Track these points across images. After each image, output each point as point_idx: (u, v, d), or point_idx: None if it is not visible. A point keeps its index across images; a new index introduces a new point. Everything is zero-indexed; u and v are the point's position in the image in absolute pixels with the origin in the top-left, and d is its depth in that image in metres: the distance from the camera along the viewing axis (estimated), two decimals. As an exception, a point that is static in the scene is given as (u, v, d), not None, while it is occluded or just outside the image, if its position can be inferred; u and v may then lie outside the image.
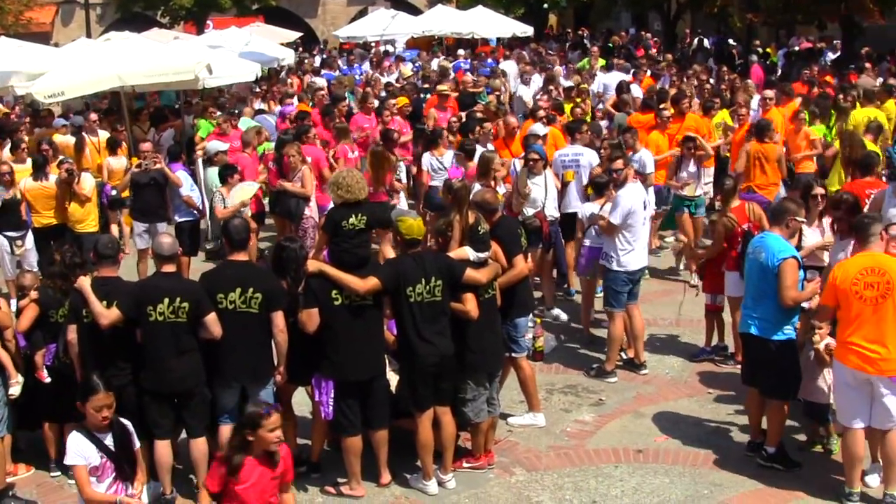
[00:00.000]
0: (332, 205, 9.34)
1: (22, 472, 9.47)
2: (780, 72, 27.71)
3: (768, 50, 33.29)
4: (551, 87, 21.07)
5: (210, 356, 8.58)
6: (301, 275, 8.67)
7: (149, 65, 18.42)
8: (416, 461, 8.97)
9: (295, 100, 21.98)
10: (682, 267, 15.01)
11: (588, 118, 19.30)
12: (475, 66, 27.36)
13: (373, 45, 36.04)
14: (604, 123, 17.97)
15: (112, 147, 17.13)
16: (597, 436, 10.00)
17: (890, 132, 16.68)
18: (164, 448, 8.58)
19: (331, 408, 8.64)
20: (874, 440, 8.58)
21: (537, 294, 12.71)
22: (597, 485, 9.02)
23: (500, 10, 38.60)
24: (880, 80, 22.53)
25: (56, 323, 9.09)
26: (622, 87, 20.78)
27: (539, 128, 15.12)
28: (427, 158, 15.09)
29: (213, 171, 15.48)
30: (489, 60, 30.17)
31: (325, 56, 36.11)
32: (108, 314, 8.32)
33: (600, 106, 21.22)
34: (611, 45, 35.41)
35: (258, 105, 22.59)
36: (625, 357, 11.62)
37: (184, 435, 8.86)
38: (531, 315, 10.62)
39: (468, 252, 8.96)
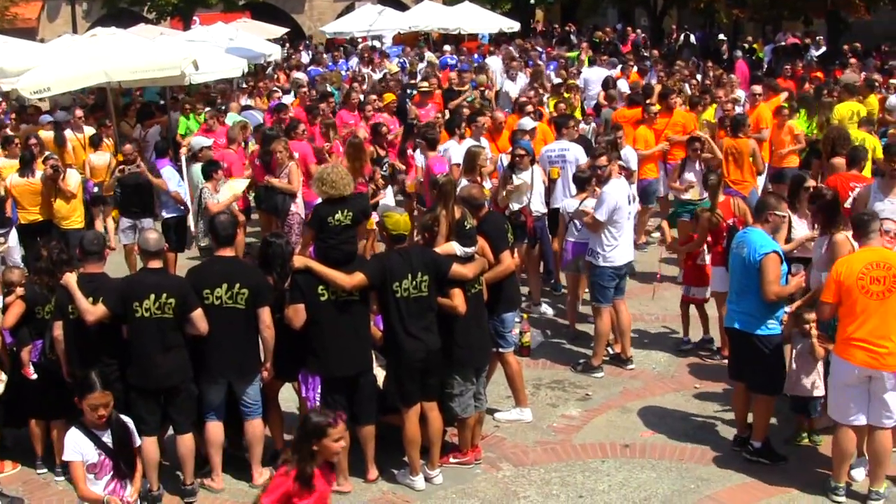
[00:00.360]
0: (319, 200, 9.33)
1: (8, 469, 9.46)
2: (766, 67, 27.76)
3: (755, 45, 33.33)
4: (536, 85, 21.07)
5: (196, 352, 8.58)
6: (287, 270, 8.67)
7: (135, 61, 18.37)
8: (403, 457, 8.98)
9: (291, 96, 21.94)
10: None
11: (578, 113, 19.37)
12: (462, 61, 27.34)
13: (360, 40, 36.02)
14: (591, 126, 17.98)
15: (94, 143, 17.09)
16: (583, 431, 10.02)
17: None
18: (150, 445, 8.55)
19: (317, 403, 8.63)
20: (861, 434, 8.60)
21: (524, 289, 12.72)
22: (584, 479, 9.04)
23: (486, 6, 38.60)
24: (863, 74, 22.62)
25: (42, 319, 9.06)
26: (608, 83, 20.82)
27: (527, 122, 15.13)
28: (420, 156, 15.04)
29: (198, 168, 15.45)
30: (475, 56, 30.19)
31: (311, 52, 36.07)
32: (94, 311, 8.30)
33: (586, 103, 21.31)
34: (596, 40, 35.46)
35: (245, 101, 22.56)
36: (611, 352, 11.65)
37: (171, 431, 8.85)
38: (518, 310, 10.63)
39: (455, 247, 8.96)
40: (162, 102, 22.71)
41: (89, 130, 17.73)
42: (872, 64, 25.83)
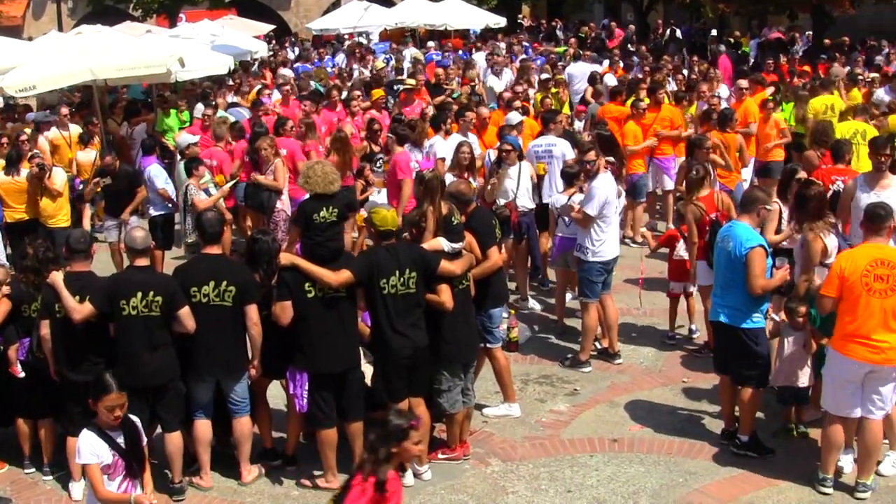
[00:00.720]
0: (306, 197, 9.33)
1: (-4, 468, 9.44)
2: (752, 62, 27.80)
3: (742, 39, 33.42)
4: (522, 81, 21.04)
5: (184, 350, 8.57)
6: (274, 267, 8.66)
7: (121, 58, 18.29)
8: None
9: (276, 92, 21.90)
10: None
11: (566, 109, 19.40)
12: (446, 57, 27.29)
13: (346, 37, 35.95)
14: (578, 125, 18.00)
15: (84, 141, 17.10)
16: (572, 425, 10.04)
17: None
18: (138, 443, 8.55)
19: (305, 400, 8.64)
20: (851, 426, 8.60)
21: (511, 285, 12.74)
22: (572, 474, 9.06)
23: (472, 2, 38.55)
24: (847, 69, 22.71)
25: (29, 318, 9.02)
26: (595, 78, 20.83)
27: (514, 116, 15.13)
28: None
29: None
30: (462, 53, 30.16)
31: (297, 49, 35.99)
32: (80, 309, 8.29)
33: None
34: (581, 35, 35.48)
35: (231, 98, 22.50)
36: (599, 347, 11.67)
37: (158, 430, 8.83)
38: (505, 306, 10.64)
39: (442, 243, 8.96)
40: (149, 100, 22.64)
41: (75, 128, 17.69)
42: (855, 59, 25.90)
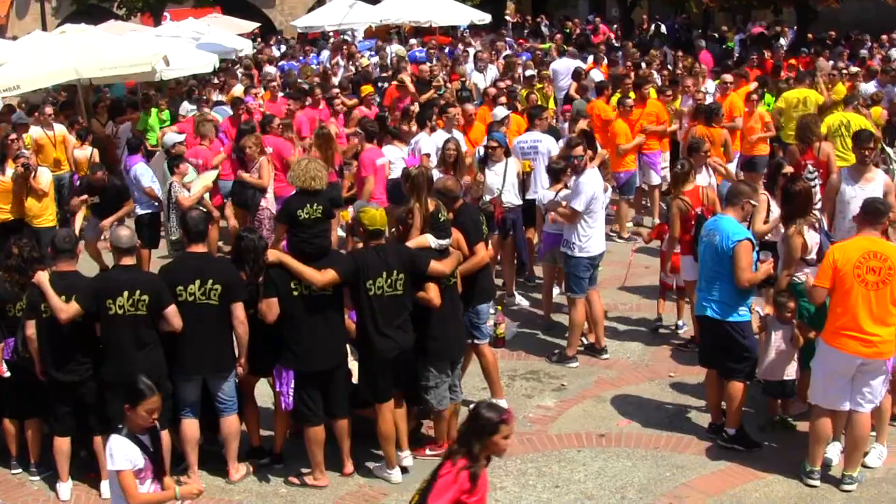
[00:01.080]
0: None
1: (-17, 469, 9.41)
2: (736, 57, 27.89)
3: (728, 34, 33.53)
4: (507, 78, 21.06)
5: (171, 349, 8.55)
6: (261, 265, 8.65)
7: (105, 57, 18.27)
8: (379, 450, 8.99)
9: (261, 89, 21.87)
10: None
11: (551, 104, 19.41)
12: (431, 54, 27.26)
13: (331, 35, 35.90)
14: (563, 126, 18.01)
15: (81, 137, 17.35)
16: (559, 421, 10.06)
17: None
18: (125, 442, 8.54)
19: (291, 398, 8.63)
20: (839, 419, 8.63)
21: (497, 281, 12.74)
22: (560, 469, 9.07)
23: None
24: (831, 63, 22.84)
25: (14, 317, 8.97)
26: (580, 74, 20.85)
27: (500, 111, 15.13)
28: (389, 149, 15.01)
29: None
30: (448, 50, 30.14)
31: (283, 47, 35.95)
32: (67, 309, 8.27)
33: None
34: (567, 31, 35.52)
35: (217, 97, 22.45)
36: (585, 342, 11.68)
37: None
38: (493, 302, 10.65)
39: (429, 239, 8.96)
40: (135, 98, 22.58)
41: (60, 128, 17.64)
42: (839, 53, 26.03)
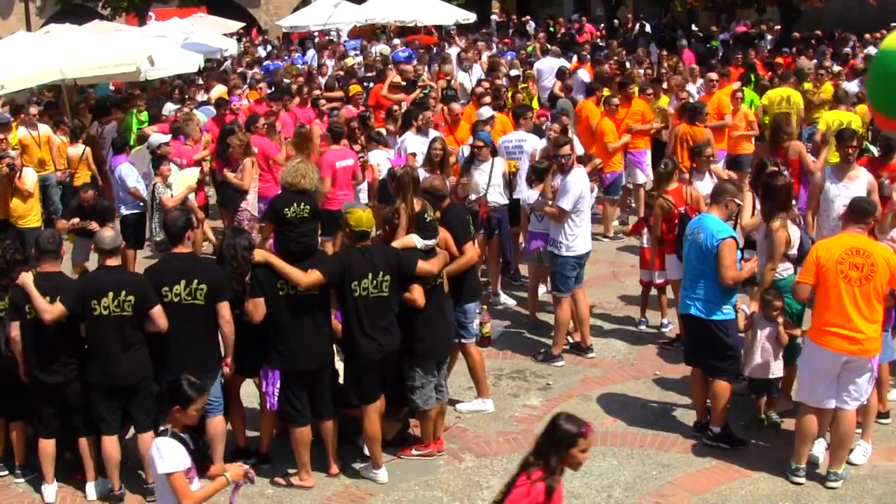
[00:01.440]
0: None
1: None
2: (720, 55, 28.00)
3: (716, 32, 33.69)
4: (492, 77, 21.06)
5: (157, 350, 8.53)
6: (247, 265, 8.63)
7: (90, 57, 18.24)
8: (365, 450, 9.00)
9: (244, 91, 21.85)
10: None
11: (535, 103, 19.40)
12: (421, 55, 27.29)
13: (315, 34, 35.90)
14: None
15: (75, 135, 17.35)
16: (545, 420, 9.98)
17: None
18: (111, 444, 8.52)
19: (276, 398, 8.63)
20: (825, 417, 8.66)
21: (483, 280, 12.76)
22: (546, 468, 9.07)
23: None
24: (814, 62, 22.93)
25: (-2, 318, 8.98)
26: (563, 73, 20.85)
27: (486, 111, 15.13)
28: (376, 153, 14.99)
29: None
30: (434, 48, 30.17)
31: (268, 46, 35.93)
32: (51, 310, 8.24)
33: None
34: (552, 30, 35.56)
35: (202, 97, 22.43)
36: (571, 341, 11.70)
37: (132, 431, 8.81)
38: (479, 301, 10.66)
39: (414, 240, 8.96)
40: (120, 98, 22.53)
41: (44, 128, 17.59)
42: (822, 51, 26.15)
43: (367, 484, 8.87)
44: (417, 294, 8.73)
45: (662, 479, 8.83)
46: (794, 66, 22.05)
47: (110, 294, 8.25)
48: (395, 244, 8.92)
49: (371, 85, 21.13)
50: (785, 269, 9.40)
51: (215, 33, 31.38)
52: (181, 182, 14.06)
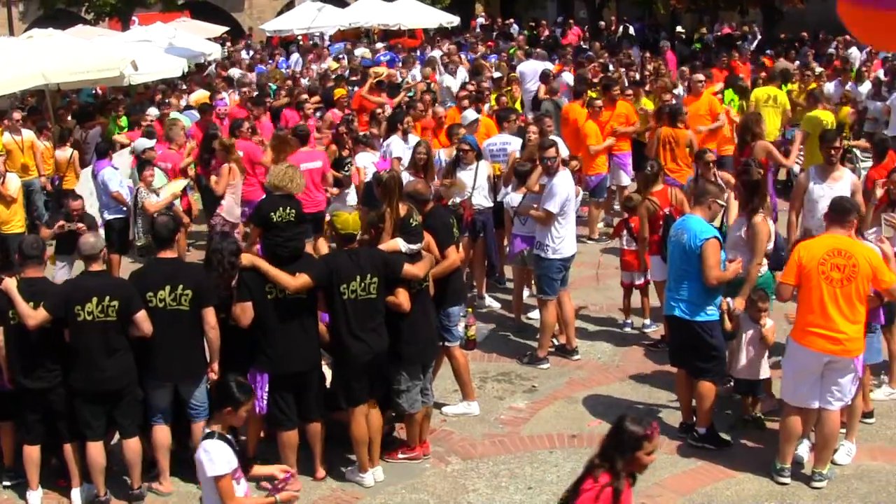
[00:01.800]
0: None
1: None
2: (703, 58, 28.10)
3: (699, 34, 33.79)
4: (477, 79, 21.07)
5: (141, 355, 8.51)
6: (233, 270, 8.62)
7: (73, 62, 18.18)
8: (351, 454, 8.99)
9: (229, 95, 21.81)
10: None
11: (518, 106, 19.42)
12: (410, 58, 27.29)
13: (299, 38, 35.89)
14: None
15: (63, 139, 17.52)
16: (531, 422, 10.08)
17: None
18: (96, 449, 8.50)
19: (265, 402, 8.62)
20: (809, 417, 8.68)
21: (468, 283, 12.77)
22: (532, 471, 9.09)
23: (426, 1, 38.59)
24: (797, 63, 23.03)
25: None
26: (547, 76, 20.86)
27: (469, 114, 15.14)
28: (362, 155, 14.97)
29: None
30: (418, 54, 30.18)
31: (251, 51, 35.90)
32: (35, 315, 8.21)
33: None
34: (535, 33, 35.62)
35: (185, 101, 22.38)
36: (556, 343, 11.71)
37: (117, 437, 8.78)
38: (463, 304, 10.66)
39: (399, 244, 8.96)
40: (103, 102, 22.49)
41: (28, 133, 17.54)
42: (805, 52, 26.26)
43: (354, 487, 8.86)
44: (403, 298, 8.74)
45: (648, 479, 8.77)
46: (772, 67, 22.12)
47: (94, 299, 8.23)
48: (381, 248, 8.92)
49: (356, 89, 21.13)
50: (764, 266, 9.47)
51: (199, 38, 31.34)
52: (167, 189, 14.04)
